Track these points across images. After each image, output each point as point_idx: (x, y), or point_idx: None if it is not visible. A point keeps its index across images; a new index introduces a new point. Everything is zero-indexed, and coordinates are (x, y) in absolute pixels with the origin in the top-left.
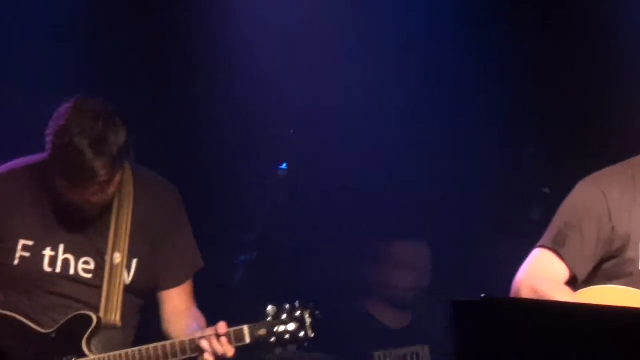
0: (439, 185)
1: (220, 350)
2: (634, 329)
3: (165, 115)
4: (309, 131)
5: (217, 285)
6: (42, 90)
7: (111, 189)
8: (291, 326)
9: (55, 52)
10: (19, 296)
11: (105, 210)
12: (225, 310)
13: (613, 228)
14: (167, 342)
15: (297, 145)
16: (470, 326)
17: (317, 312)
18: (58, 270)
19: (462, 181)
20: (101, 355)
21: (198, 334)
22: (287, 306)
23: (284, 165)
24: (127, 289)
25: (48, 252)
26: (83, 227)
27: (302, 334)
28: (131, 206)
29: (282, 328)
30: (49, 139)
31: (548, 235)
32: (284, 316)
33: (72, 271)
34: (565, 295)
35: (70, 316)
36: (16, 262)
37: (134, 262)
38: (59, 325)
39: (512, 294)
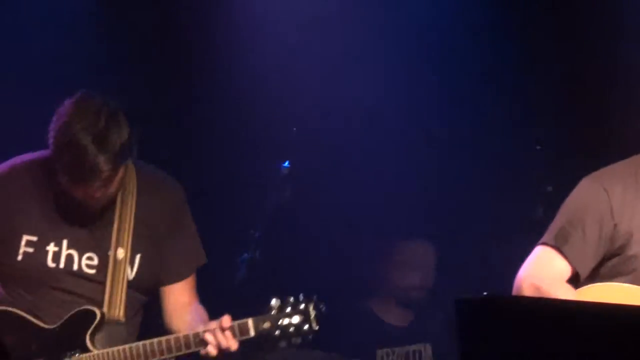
0: (441, 183)
1: (224, 343)
2: (637, 326)
3: (166, 114)
4: (314, 129)
5: (220, 284)
6: (43, 89)
7: (114, 185)
8: (295, 319)
9: (55, 52)
10: (22, 292)
11: (108, 206)
12: (227, 309)
13: (615, 225)
14: (171, 336)
15: (301, 143)
16: (473, 324)
17: (321, 305)
18: (62, 265)
19: (465, 180)
20: (105, 350)
21: (202, 328)
22: (291, 299)
23: (287, 164)
24: (131, 284)
25: (52, 248)
26: (86, 223)
27: (306, 326)
28: (134, 202)
29: (286, 321)
30: (51, 134)
31: (550, 233)
32: (288, 309)
33: (75, 267)
34: (567, 293)
35: (73, 311)
36: (20, 257)
37: (137, 257)
38: (62, 320)
39: (514, 291)
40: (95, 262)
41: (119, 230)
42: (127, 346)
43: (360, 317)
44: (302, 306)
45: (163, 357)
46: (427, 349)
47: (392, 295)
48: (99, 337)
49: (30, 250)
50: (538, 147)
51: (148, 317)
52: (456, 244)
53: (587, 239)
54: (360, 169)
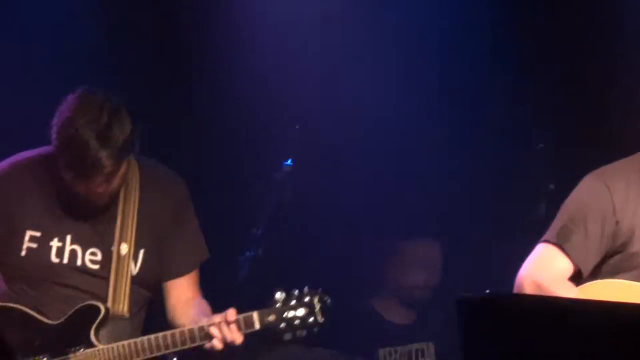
0: (443, 183)
1: (229, 337)
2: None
3: (166, 114)
4: (317, 127)
5: (222, 282)
6: (43, 89)
7: (117, 180)
8: (300, 311)
9: (55, 52)
10: (26, 288)
11: (111, 202)
12: (230, 306)
13: (617, 222)
14: (176, 330)
15: (304, 141)
16: (475, 323)
17: (326, 298)
18: (65, 261)
19: (467, 179)
20: (110, 345)
21: (207, 321)
22: (296, 292)
23: (289, 161)
24: (134, 279)
25: (55, 243)
26: (90, 218)
27: (311, 319)
28: (137, 197)
29: (291, 313)
30: (54, 130)
31: (552, 230)
32: (293, 302)
33: (79, 262)
34: (568, 291)
35: (77, 307)
36: (23, 253)
37: (141, 252)
38: (66, 316)
39: (516, 289)
40: (99, 257)
41: (122, 225)
42: (132, 341)
43: (362, 316)
44: (307, 299)
45: (168, 351)
46: (430, 348)
47: (396, 294)
48: (103, 332)
49: (34, 245)
50: (540, 146)
51: (152, 314)
52: (458, 242)
53: (589, 236)
54: (361, 169)
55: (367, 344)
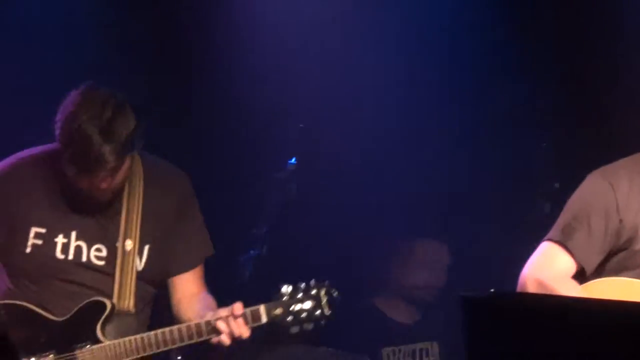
0: (447, 182)
1: (237, 331)
2: None
3: (166, 114)
4: (318, 127)
5: (227, 281)
6: (43, 88)
7: (120, 176)
8: (307, 304)
9: (55, 52)
10: (31, 284)
11: (115, 197)
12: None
13: (621, 220)
14: (183, 325)
15: (306, 141)
16: (479, 321)
17: (333, 291)
18: (70, 257)
19: (471, 178)
20: (116, 341)
21: (213, 315)
22: (303, 285)
23: (293, 160)
24: (139, 275)
25: (60, 239)
26: (94, 214)
27: (318, 312)
28: (142, 193)
29: (298, 307)
30: (58, 125)
31: (556, 229)
32: (300, 295)
33: (84, 258)
34: (571, 289)
35: (83, 303)
36: (28, 249)
37: (146, 248)
38: (72, 312)
39: (519, 288)
40: (104, 253)
41: (126, 221)
42: (138, 336)
43: (366, 315)
44: (314, 291)
45: (175, 346)
46: (434, 347)
47: (400, 293)
48: (109, 328)
49: (39, 242)
50: (544, 144)
51: (158, 310)
52: (463, 241)
53: (592, 234)
54: (362, 169)
55: (371, 343)
